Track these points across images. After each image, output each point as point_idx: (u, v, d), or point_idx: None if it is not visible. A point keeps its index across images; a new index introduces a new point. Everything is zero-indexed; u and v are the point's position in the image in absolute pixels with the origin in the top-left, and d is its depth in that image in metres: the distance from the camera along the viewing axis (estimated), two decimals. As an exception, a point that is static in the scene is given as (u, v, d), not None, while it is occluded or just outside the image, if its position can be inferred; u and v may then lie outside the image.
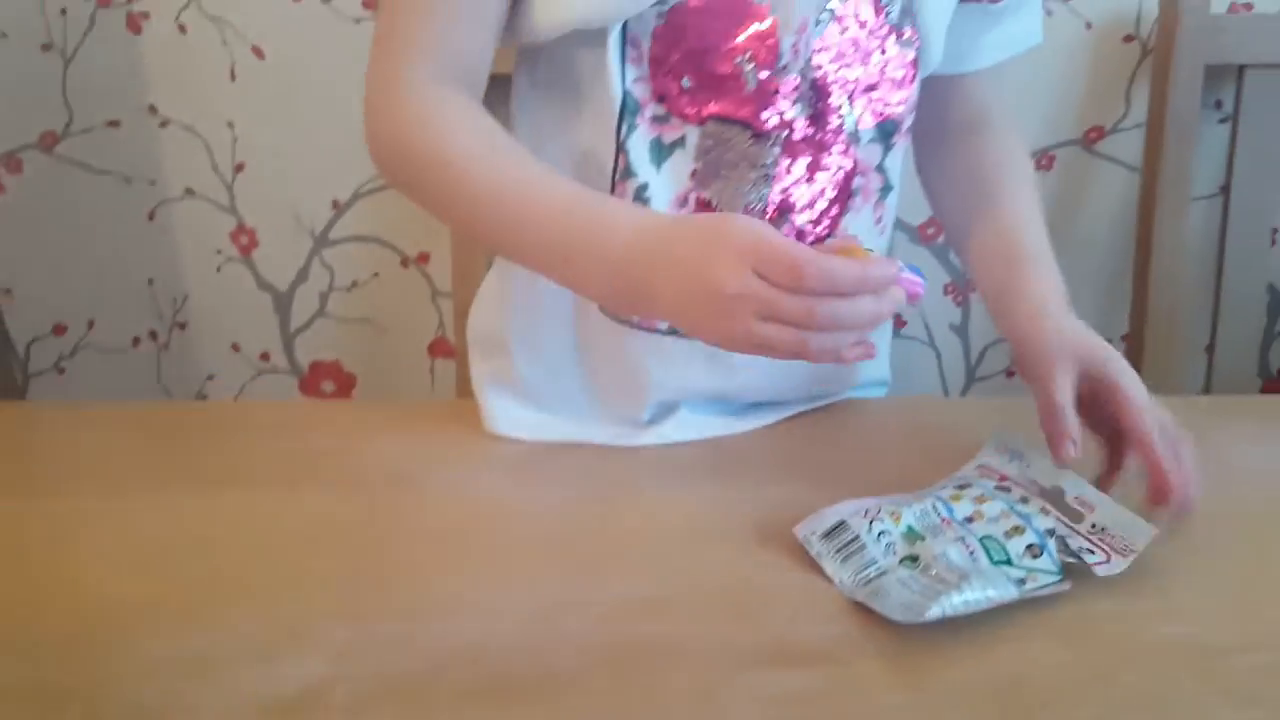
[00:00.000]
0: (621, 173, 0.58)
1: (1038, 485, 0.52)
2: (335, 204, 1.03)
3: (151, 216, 1.05)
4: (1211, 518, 0.54)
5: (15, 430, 0.69)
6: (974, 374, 1.06)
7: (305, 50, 0.98)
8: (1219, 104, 0.96)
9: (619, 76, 0.56)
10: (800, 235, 0.60)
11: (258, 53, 0.99)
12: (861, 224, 0.62)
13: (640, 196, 0.58)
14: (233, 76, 1.00)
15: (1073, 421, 0.53)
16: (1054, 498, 0.51)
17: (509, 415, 0.65)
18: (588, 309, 0.62)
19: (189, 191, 1.04)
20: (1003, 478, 0.53)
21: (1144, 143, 0.94)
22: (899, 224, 0.98)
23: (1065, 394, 0.53)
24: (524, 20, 0.57)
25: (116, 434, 0.66)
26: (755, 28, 0.55)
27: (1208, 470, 0.51)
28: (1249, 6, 0.93)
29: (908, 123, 0.63)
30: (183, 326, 1.09)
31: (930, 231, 1.01)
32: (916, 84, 0.62)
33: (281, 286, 1.06)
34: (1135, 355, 0.95)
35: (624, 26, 0.55)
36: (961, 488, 0.53)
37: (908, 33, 0.59)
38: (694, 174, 0.58)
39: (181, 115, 1.02)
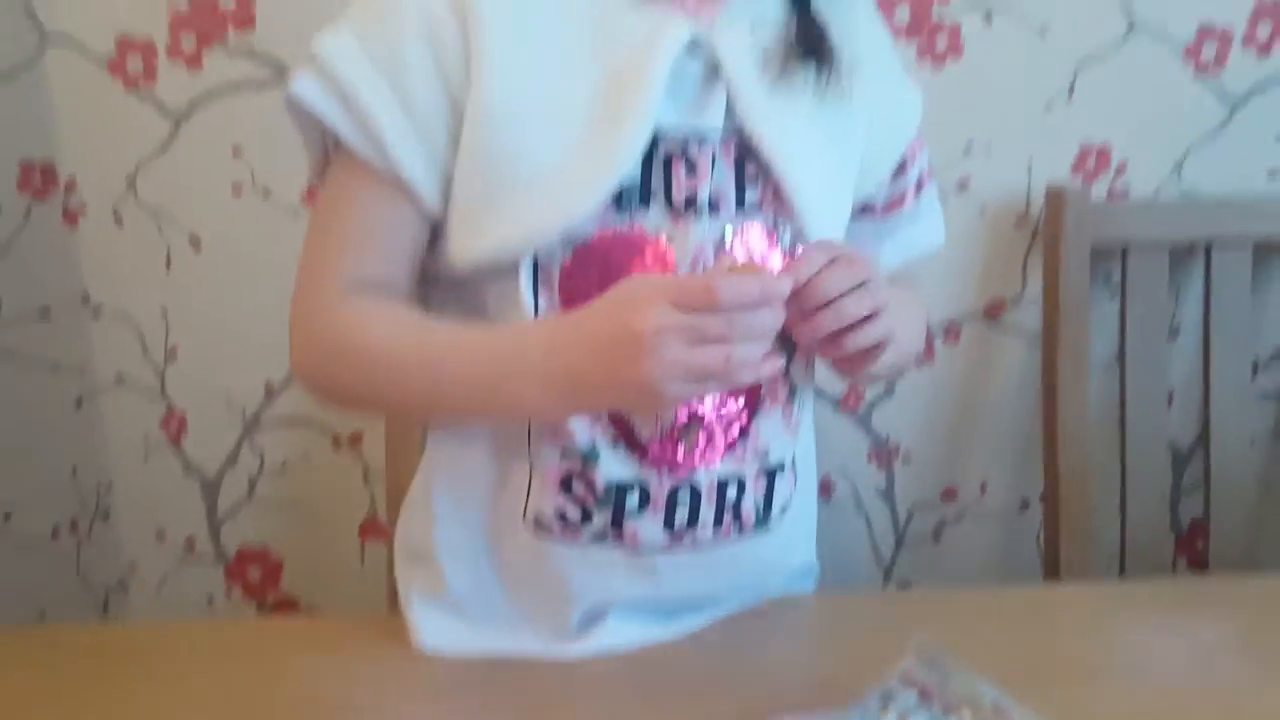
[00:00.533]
0: None
1: (957, 694, 0.54)
2: (269, 386, 1.04)
3: (79, 404, 1.04)
4: (1124, 717, 0.56)
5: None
6: (903, 537, 1.09)
7: (242, 239, 1.00)
8: (1108, 277, 1.04)
9: (531, 304, 0.59)
10: (710, 438, 0.62)
11: (194, 242, 1.01)
12: (773, 424, 0.64)
13: None
14: (168, 265, 1.02)
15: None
16: (973, 705, 0.53)
17: (437, 629, 0.64)
18: (508, 522, 0.63)
19: (119, 378, 1.04)
20: (924, 690, 0.55)
21: (1042, 316, 1.01)
22: (819, 394, 1.02)
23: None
24: (439, 251, 0.60)
25: (14, 664, 0.63)
26: (653, 258, 0.59)
27: (1119, 665, 0.53)
28: (1125, 195, 1.02)
29: None
30: (105, 515, 1.06)
31: (851, 401, 1.05)
32: None
33: (209, 472, 1.05)
34: (1053, 516, 0.99)
35: (534, 256, 0.59)
36: (886, 704, 0.54)
37: None
38: None
39: (115, 302, 1.03)
